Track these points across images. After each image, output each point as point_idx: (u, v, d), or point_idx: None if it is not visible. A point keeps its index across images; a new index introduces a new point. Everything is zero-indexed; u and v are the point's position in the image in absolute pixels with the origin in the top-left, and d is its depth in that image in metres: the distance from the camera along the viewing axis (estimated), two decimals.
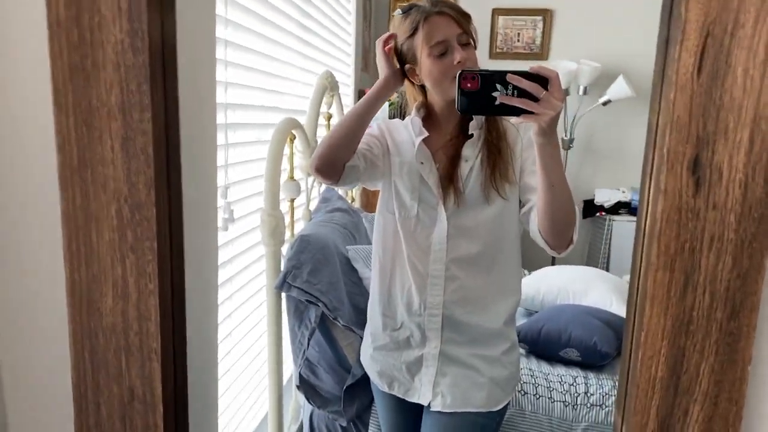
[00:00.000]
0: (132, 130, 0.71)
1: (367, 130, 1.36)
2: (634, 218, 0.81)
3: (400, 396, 1.43)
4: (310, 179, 2.02)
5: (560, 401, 1.80)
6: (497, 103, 0.98)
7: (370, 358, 1.46)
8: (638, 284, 0.72)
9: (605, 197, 3.58)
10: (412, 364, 1.39)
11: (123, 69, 0.70)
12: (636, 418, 0.72)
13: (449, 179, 1.31)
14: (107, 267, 0.74)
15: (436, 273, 1.33)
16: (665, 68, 0.67)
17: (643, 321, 0.70)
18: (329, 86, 2.16)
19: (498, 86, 0.98)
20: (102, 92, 0.71)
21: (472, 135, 1.31)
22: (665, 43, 0.67)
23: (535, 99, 0.99)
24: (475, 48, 1.29)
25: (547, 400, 1.81)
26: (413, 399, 1.40)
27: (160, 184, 0.73)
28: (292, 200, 1.88)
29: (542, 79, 0.99)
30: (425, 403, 1.39)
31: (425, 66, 1.27)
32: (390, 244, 1.40)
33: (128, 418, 0.78)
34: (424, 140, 1.32)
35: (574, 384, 1.86)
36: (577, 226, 1.24)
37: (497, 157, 1.29)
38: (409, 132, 1.38)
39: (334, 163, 1.29)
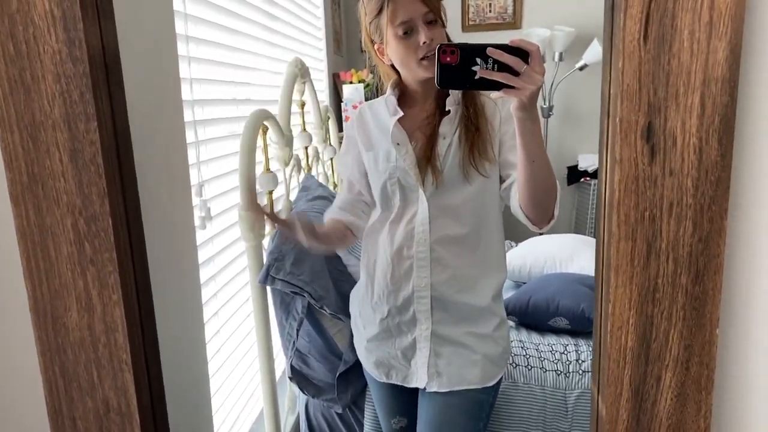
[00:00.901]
0: (79, 141, 0.70)
1: (342, 148, 1.44)
2: None
3: (398, 383, 1.43)
4: (288, 169, 2.00)
5: (552, 370, 1.82)
6: (477, 77, 0.97)
7: (365, 349, 1.46)
8: (603, 255, 0.71)
9: (589, 162, 3.58)
10: (407, 350, 1.39)
11: (63, 80, 0.69)
12: (610, 389, 0.72)
13: (427, 159, 1.30)
14: (68, 281, 0.73)
15: (421, 255, 1.32)
16: (612, 36, 0.66)
17: (609, 292, 0.70)
18: (300, 73, 2.14)
19: (478, 60, 0.96)
20: (45, 105, 0.69)
21: (449, 111, 1.30)
22: (611, 10, 0.66)
23: (515, 73, 0.97)
24: (444, 26, 1.27)
25: (539, 370, 1.82)
26: (412, 384, 1.41)
27: (113, 193, 0.72)
28: (271, 192, 1.87)
29: (523, 53, 0.97)
30: (422, 386, 1.39)
31: (391, 46, 1.26)
32: (373, 232, 1.40)
33: (106, 430, 0.77)
34: (400, 120, 1.31)
35: (565, 352, 1.87)
36: (558, 201, 1.23)
37: (475, 134, 1.28)
38: (380, 116, 1.37)
39: (345, 241, 1.43)
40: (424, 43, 1.21)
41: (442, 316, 1.35)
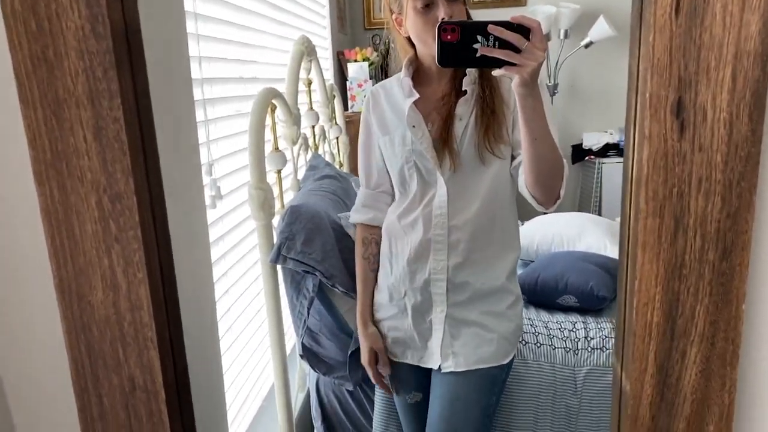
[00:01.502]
0: (103, 118, 0.69)
1: (360, 136, 1.44)
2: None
3: (414, 363, 1.44)
4: (296, 148, 2.00)
5: (561, 348, 1.83)
6: (478, 55, 0.96)
7: (382, 330, 1.47)
8: (629, 232, 0.71)
9: (593, 140, 3.57)
10: (424, 331, 1.40)
11: (87, 56, 0.68)
12: (635, 365, 0.73)
13: (443, 141, 1.29)
14: (93, 259, 0.73)
15: (438, 238, 1.32)
16: (642, 10, 0.65)
17: (635, 268, 0.70)
18: (306, 51, 2.12)
19: (479, 38, 0.95)
20: (68, 82, 0.69)
21: (465, 92, 1.28)
22: None
23: (517, 50, 0.96)
24: (464, 3, 1.25)
25: (549, 347, 1.83)
26: (428, 365, 1.41)
27: (138, 171, 0.71)
28: (279, 171, 1.86)
29: (524, 30, 0.96)
30: (436, 367, 1.40)
31: (410, 18, 1.24)
32: (392, 216, 1.40)
33: (131, 407, 0.78)
34: (415, 101, 1.29)
35: (574, 329, 1.88)
36: (564, 181, 1.23)
37: (490, 116, 1.27)
38: (394, 98, 1.36)
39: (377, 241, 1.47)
40: (443, 19, 1.19)
41: (458, 298, 1.35)
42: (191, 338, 1.01)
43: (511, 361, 1.43)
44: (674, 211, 0.68)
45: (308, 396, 2.01)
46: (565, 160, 1.22)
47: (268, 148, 1.74)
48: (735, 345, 0.71)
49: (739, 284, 0.69)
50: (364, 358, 1.47)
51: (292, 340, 2.01)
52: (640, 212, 0.68)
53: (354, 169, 2.83)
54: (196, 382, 0.90)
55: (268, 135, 1.71)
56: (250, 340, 1.85)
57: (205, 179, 1.52)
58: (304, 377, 2.03)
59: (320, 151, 2.40)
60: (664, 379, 0.73)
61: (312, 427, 1.89)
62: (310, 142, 2.26)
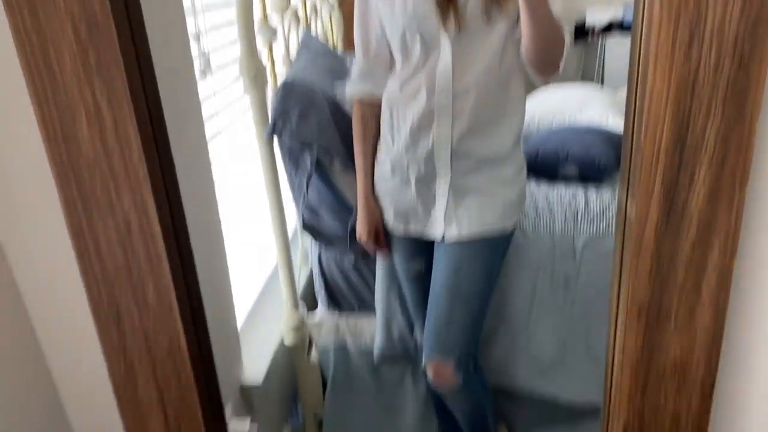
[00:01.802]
0: None
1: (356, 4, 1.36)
2: (627, 36, 0.75)
3: (417, 236, 1.44)
4: (286, 21, 1.91)
5: (561, 217, 1.82)
6: None
7: (384, 202, 1.46)
8: (640, 47, 0.67)
9: (596, 17, 3.44)
10: (427, 200, 1.39)
11: None
12: (641, 188, 0.71)
13: (447, 0, 1.23)
14: (75, 93, 0.69)
15: (443, 103, 1.28)
16: None
17: (645, 86, 0.67)
18: None
19: None
20: None
21: None
22: None
23: None
24: None
25: (548, 218, 1.82)
26: (430, 234, 1.42)
27: None
28: (270, 47, 1.78)
29: None
30: (440, 236, 1.39)
31: None
32: (393, 85, 1.35)
33: (129, 248, 0.76)
34: None
35: (574, 199, 1.87)
36: (564, 53, 1.21)
37: None
38: None
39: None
40: None
41: (462, 165, 1.34)
42: (191, 218, 0.97)
43: (513, 231, 1.44)
44: (690, 20, 0.64)
45: (311, 274, 2.03)
46: (566, 33, 1.19)
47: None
48: (746, 163, 0.68)
49: (754, 98, 0.66)
50: (362, 233, 1.48)
51: (293, 222, 2.01)
52: (653, 22, 0.64)
53: (350, 46, 2.73)
54: (195, 230, 0.89)
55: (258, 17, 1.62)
56: (252, 219, 1.85)
57: (194, 50, 1.46)
58: (305, 254, 2.05)
59: (312, 31, 2.30)
60: (671, 203, 0.71)
61: (315, 301, 1.93)
62: (301, 14, 2.16)
